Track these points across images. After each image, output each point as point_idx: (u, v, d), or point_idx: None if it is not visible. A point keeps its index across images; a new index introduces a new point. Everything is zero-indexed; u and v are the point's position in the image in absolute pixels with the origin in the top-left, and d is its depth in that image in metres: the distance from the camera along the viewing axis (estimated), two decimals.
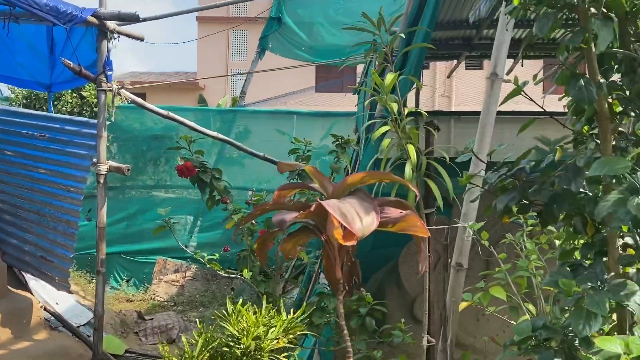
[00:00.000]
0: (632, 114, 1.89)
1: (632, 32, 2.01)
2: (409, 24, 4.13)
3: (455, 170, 2.66)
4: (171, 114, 5.56)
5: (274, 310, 2.67)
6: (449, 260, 3.37)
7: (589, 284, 1.83)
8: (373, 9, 3.24)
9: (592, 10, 1.82)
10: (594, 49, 1.83)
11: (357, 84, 3.66)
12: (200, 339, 2.51)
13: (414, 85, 3.83)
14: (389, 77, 2.91)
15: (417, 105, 7.22)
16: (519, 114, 5.08)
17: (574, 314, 1.77)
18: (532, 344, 2.01)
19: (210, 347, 2.50)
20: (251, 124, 8.62)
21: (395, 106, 2.89)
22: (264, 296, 2.93)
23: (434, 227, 3.12)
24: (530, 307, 2.84)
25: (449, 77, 10.31)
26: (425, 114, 3.29)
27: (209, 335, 2.62)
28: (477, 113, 3.67)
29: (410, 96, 7.41)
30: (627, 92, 1.93)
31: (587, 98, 1.77)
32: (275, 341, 2.54)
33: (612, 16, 1.80)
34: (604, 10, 1.81)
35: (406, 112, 2.95)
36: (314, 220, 1.85)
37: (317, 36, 7.78)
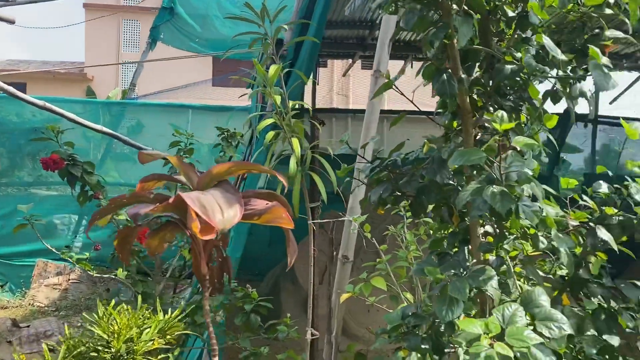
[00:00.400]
0: (491, 108, 1.99)
1: (493, 30, 2.12)
2: (300, 18, 4.12)
3: (342, 166, 2.68)
4: (48, 105, 5.14)
5: (149, 310, 2.54)
6: (335, 253, 3.40)
7: (452, 271, 1.90)
8: (268, 3, 3.18)
9: (455, 7, 1.89)
10: (456, 45, 1.90)
11: (238, 76, 3.59)
12: (63, 345, 2.32)
13: (306, 81, 3.88)
14: (272, 69, 2.87)
15: (313, 102, 7.27)
16: (410, 113, 5.29)
17: (438, 300, 1.84)
18: (402, 331, 2.07)
19: (76, 352, 2.32)
20: (144, 118, 8.21)
21: (278, 99, 2.85)
22: (140, 296, 2.78)
23: (319, 221, 3.13)
24: (409, 296, 2.94)
25: (344, 75, 10.52)
26: (310, 107, 3.29)
27: (77, 340, 2.43)
28: None
29: (307, 93, 7.44)
30: (488, 88, 2.03)
31: (449, 92, 1.84)
32: (150, 342, 2.41)
33: (472, 13, 1.88)
34: (465, 7, 1.89)
35: (290, 105, 2.92)
36: (177, 214, 1.76)
37: (211, 28, 7.57)
